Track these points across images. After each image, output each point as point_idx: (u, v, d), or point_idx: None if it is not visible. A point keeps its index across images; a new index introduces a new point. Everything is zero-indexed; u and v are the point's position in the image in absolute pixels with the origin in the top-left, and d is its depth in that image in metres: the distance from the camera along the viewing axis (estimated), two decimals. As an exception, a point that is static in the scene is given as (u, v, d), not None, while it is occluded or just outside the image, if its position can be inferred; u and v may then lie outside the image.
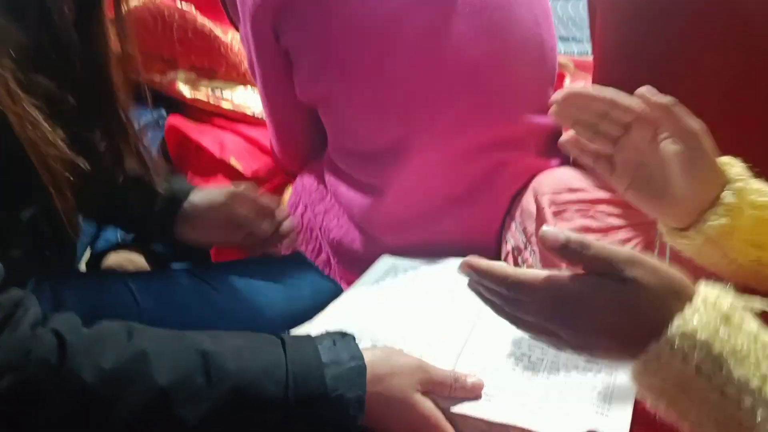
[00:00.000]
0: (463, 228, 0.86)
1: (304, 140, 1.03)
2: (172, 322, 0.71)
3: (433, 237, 0.87)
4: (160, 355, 0.49)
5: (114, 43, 0.69)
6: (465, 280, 0.74)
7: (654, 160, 0.55)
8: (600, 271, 0.45)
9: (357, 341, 0.57)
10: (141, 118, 1.15)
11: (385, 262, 0.82)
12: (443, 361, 0.62)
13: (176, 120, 1.15)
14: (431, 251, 0.83)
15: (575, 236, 0.46)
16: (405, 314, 0.70)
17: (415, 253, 0.83)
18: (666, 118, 0.54)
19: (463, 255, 0.82)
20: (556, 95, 0.58)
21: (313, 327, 0.69)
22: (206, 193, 0.82)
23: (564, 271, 0.46)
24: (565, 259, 0.46)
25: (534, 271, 0.47)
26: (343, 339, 0.56)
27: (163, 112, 1.19)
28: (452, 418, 0.56)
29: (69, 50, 0.63)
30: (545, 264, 0.76)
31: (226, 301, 0.75)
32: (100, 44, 0.66)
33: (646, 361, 0.43)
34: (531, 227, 0.79)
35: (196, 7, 1.23)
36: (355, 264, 0.92)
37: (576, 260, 0.46)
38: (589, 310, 0.45)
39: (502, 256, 0.82)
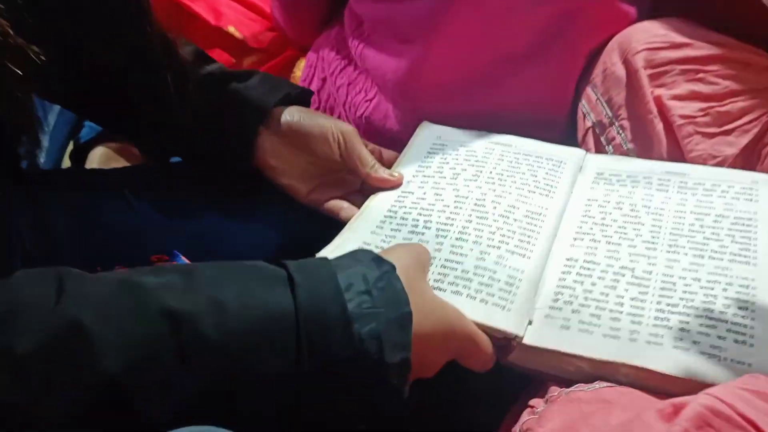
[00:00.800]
0: (526, 94, 0.68)
1: None
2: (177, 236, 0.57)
3: (487, 105, 0.69)
4: (106, 325, 0.32)
5: None
6: (534, 161, 0.60)
7: None
8: None
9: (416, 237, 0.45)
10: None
11: (427, 133, 0.65)
12: (526, 269, 0.48)
13: (162, -18, 0.95)
14: (484, 124, 0.66)
15: None
16: (469, 203, 0.55)
17: (463, 125, 0.67)
18: None
19: (526, 129, 0.68)
20: None
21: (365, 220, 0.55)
22: (312, 115, 0.60)
23: None
24: None
25: None
26: (378, 270, 0.39)
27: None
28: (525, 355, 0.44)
29: None
30: (638, 143, 0.60)
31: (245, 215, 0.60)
32: None
33: None
34: (619, 97, 0.62)
35: None
36: (388, 145, 0.76)
37: None
38: None
39: (579, 135, 0.65)
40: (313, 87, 0.86)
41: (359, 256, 0.40)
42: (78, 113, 0.74)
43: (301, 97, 0.62)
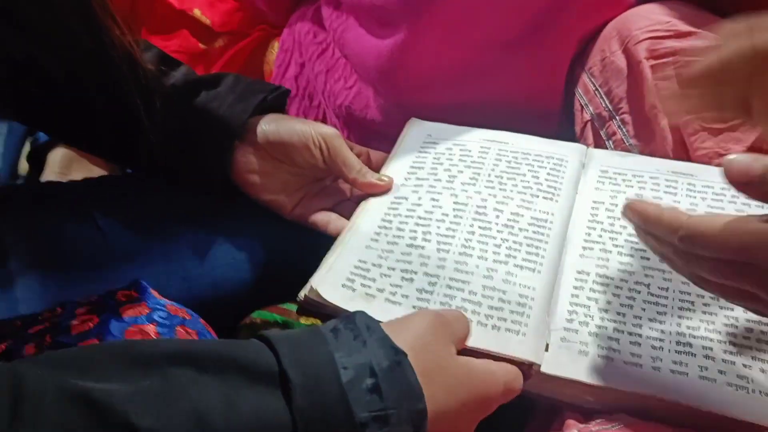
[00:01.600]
0: (516, 83, 0.64)
1: None
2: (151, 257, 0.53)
3: (475, 95, 0.65)
4: None
5: None
6: (534, 160, 0.57)
7: None
8: None
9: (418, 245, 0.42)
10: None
11: (416, 130, 0.61)
12: (533, 282, 0.45)
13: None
14: (472, 116, 0.63)
15: None
16: (469, 211, 0.51)
17: (450, 118, 0.63)
18: None
19: (517, 121, 0.64)
20: None
21: (359, 235, 0.51)
22: (288, 122, 0.55)
23: (751, 217, 0.32)
24: (758, 198, 0.33)
25: (710, 219, 0.33)
26: (388, 359, 0.33)
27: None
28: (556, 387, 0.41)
29: None
30: (640, 139, 0.57)
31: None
32: None
33: None
34: (620, 89, 0.58)
35: None
36: (371, 136, 0.72)
37: None
38: None
39: (577, 128, 0.62)
40: (290, 73, 0.82)
41: (365, 333, 0.34)
42: (31, 126, 0.67)
43: (277, 101, 0.57)
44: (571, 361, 0.41)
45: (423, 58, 0.64)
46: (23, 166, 0.77)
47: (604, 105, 0.60)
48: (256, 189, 0.56)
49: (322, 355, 0.32)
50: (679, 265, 0.37)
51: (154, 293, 0.46)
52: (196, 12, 0.87)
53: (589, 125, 0.61)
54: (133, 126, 0.49)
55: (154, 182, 0.57)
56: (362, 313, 0.37)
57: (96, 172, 0.76)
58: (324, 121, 0.78)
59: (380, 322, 0.36)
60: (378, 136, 0.71)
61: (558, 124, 0.65)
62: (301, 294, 0.46)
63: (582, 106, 0.62)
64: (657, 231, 0.36)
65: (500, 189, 0.53)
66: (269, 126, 0.54)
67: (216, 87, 0.55)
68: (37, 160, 0.77)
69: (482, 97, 0.66)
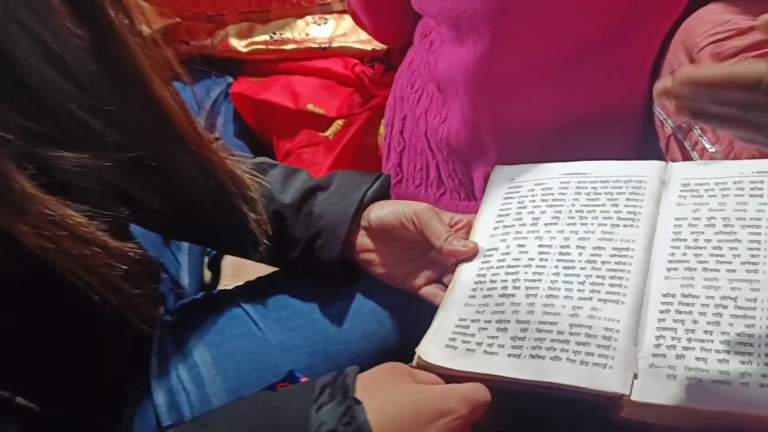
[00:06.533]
0: (600, 83, 0.66)
1: None
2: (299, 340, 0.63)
3: (560, 97, 0.68)
4: None
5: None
6: (612, 187, 0.58)
7: None
8: None
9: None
10: (209, 92, 1.05)
11: (501, 177, 0.65)
12: (625, 320, 0.47)
13: (239, 85, 1.03)
14: (558, 118, 0.65)
15: None
16: (554, 252, 0.55)
17: (534, 129, 0.66)
18: None
19: (602, 122, 0.65)
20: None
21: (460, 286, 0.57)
22: (389, 205, 0.63)
23: None
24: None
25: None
26: (343, 406, 0.44)
27: (230, 79, 1.07)
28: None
29: (96, 83, 0.50)
30: (722, 145, 0.56)
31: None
32: (123, 55, 0.50)
33: None
34: (693, 98, 0.58)
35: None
36: (472, 161, 0.77)
37: None
38: None
39: (662, 144, 0.63)
40: (396, 129, 0.90)
41: (338, 390, 0.45)
42: (175, 239, 0.82)
43: (381, 188, 0.65)
44: (660, 387, 0.43)
45: (508, 64, 0.69)
46: (207, 275, 0.94)
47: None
48: (372, 265, 0.64)
49: (302, 413, 0.43)
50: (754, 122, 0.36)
51: (303, 379, 0.55)
52: (310, 106, 0.99)
53: (672, 139, 0.62)
54: (249, 240, 0.60)
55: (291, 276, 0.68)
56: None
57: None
58: (426, 166, 0.85)
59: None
60: (477, 159, 0.76)
61: (638, 136, 0.66)
62: (414, 361, 0.53)
63: (662, 122, 0.63)
64: (731, 91, 0.35)
65: (581, 224, 0.56)
66: (373, 212, 0.63)
67: (328, 187, 0.65)
68: (215, 267, 0.93)
69: (566, 98, 0.68)
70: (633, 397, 0.44)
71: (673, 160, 0.60)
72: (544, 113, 0.68)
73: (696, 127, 0.59)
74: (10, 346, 0.44)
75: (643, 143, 0.66)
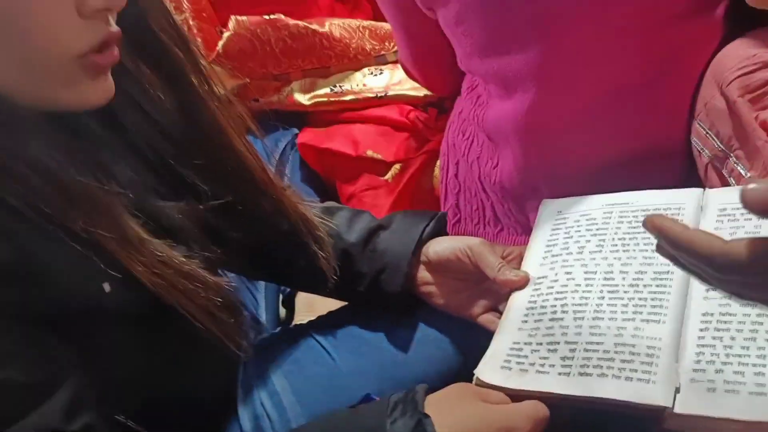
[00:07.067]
0: (643, 122, 0.71)
1: (443, 50, 0.87)
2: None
3: (605, 145, 0.73)
4: None
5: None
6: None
7: None
8: None
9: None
10: (278, 143, 1.15)
11: (548, 210, 0.70)
12: (666, 342, 0.51)
13: (304, 136, 1.12)
14: (605, 158, 0.70)
15: None
16: (599, 278, 0.59)
17: (582, 169, 0.70)
18: None
19: (646, 159, 0.69)
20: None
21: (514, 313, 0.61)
22: (445, 241, 0.70)
23: None
24: None
25: (741, 244, 0.35)
26: (412, 420, 0.49)
27: (295, 130, 1.17)
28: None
29: (187, 141, 0.59)
30: (757, 170, 0.60)
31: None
32: (207, 115, 0.59)
33: None
34: (725, 129, 0.62)
35: (284, 13, 1.18)
36: (525, 201, 0.82)
37: None
38: None
39: (700, 172, 0.66)
40: (451, 173, 0.96)
41: (409, 405, 0.50)
42: (257, 279, 0.90)
43: (438, 225, 0.71)
44: (700, 399, 0.47)
45: (554, 113, 0.74)
46: (282, 311, 1.01)
47: (717, 146, 0.64)
48: (432, 297, 0.70)
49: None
50: (708, 281, 0.38)
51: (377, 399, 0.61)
52: (369, 152, 1.07)
53: (709, 167, 0.65)
54: (319, 276, 0.67)
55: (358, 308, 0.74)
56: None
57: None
58: (482, 206, 0.90)
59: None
60: (530, 199, 0.81)
61: (682, 168, 0.70)
62: (473, 382, 0.58)
63: (699, 151, 0.66)
64: (684, 256, 0.37)
65: (624, 251, 0.60)
66: (431, 248, 0.69)
67: (390, 226, 0.72)
68: (290, 305, 1.00)
69: (611, 142, 0.73)
70: (675, 410, 0.47)
71: (712, 188, 0.63)
72: (591, 154, 0.73)
73: (732, 155, 0.62)
74: (126, 371, 0.52)
75: (687, 174, 0.70)
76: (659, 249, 0.41)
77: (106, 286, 0.48)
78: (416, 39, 0.91)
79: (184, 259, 0.50)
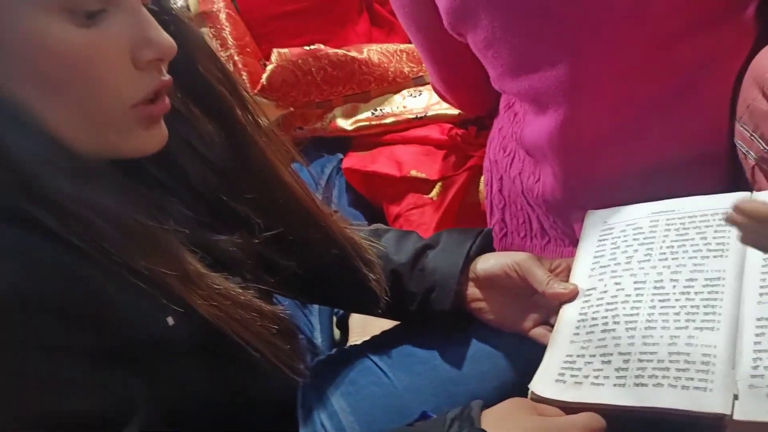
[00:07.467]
0: (682, 133, 0.71)
1: (473, 73, 0.88)
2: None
3: (644, 150, 0.73)
4: None
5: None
6: (700, 221, 0.62)
7: None
8: None
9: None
10: (323, 169, 1.18)
11: (594, 221, 0.70)
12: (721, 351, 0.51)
13: (349, 160, 1.15)
14: (646, 170, 0.70)
15: None
16: (648, 287, 0.59)
17: (623, 179, 0.70)
18: None
19: (690, 167, 0.69)
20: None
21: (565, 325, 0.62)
22: (492, 258, 0.71)
23: None
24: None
25: None
26: None
27: (340, 155, 1.20)
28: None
29: (237, 176, 0.61)
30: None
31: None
32: (255, 151, 0.62)
33: None
34: (770, 129, 0.62)
35: (324, 42, 1.21)
36: (569, 214, 0.82)
37: None
38: None
39: (747, 174, 0.66)
40: (495, 188, 0.97)
41: (465, 421, 0.52)
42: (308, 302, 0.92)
43: (483, 241, 0.72)
44: (760, 405, 0.46)
45: (588, 127, 0.75)
46: (336, 333, 1.03)
47: (762, 147, 0.63)
48: (483, 313, 0.71)
49: None
50: None
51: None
52: (413, 172, 1.09)
53: (756, 169, 0.65)
54: (366, 291, 0.69)
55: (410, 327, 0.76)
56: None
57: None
58: (528, 219, 0.91)
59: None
60: (574, 211, 0.81)
61: (728, 172, 0.69)
62: (528, 397, 0.58)
63: (744, 154, 0.66)
64: None
65: (672, 259, 0.60)
66: (479, 265, 0.70)
67: (437, 246, 0.73)
68: (344, 327, 1.02)
69: (650, 152, 0.73)
70: (735, 417, 0.47)
71: (760, 190, 0.63)
72: (630, 165, 0.73)
73: (778, 155, 0.62)
74: (191, 399, 0.54)
75: (734, 178, 0.69)
76: (745, 237, 0.42)
77: (170, 320, 0.50)
78: (445, 64, 0.93)
79: (240, 290, 0.53)
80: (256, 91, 1.18)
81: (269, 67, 1.18)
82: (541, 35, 0.71)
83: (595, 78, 0.70)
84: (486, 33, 0.75)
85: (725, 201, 0.62)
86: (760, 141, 0.63)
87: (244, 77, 1.21)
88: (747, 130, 0.65)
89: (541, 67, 0.73)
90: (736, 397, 0.48)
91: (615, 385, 0.54)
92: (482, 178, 1.03)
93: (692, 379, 0.50)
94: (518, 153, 0.89)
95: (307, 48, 1.19)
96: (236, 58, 1.23)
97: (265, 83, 1.17)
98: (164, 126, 0.53)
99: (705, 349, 0.52)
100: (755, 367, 0.49)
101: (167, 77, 0.52)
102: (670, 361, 0.52)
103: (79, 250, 0.46)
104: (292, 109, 1.24)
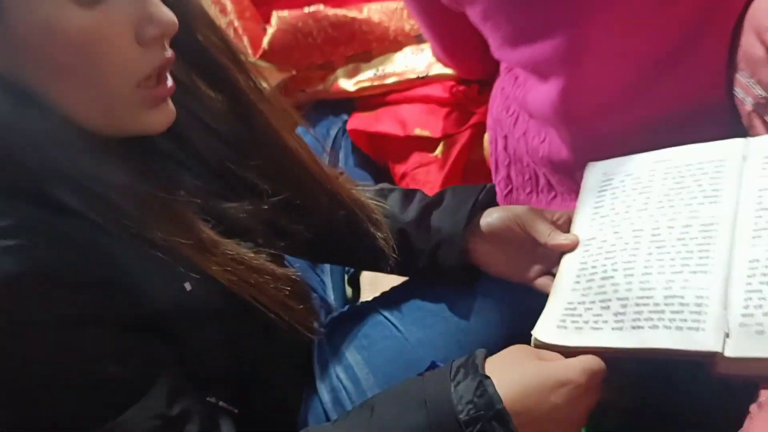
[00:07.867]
0: (683, 87, 0.72)
1: (473, 42, 0.89)
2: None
3: (648, 108, 0.74)
4: None
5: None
6: (696, 169, 0.63)
7: None
8: None
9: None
10: (329, 131, 1.19)
11: (593, 172, 0.72)
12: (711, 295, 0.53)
13: (353, 121, 1.16)
14: (649, 127, 0.71)
15: None
16: (646, 235, 0.61)
17: (628, 137, 0.72)
18: None
19: (692, 121, 0.69)
20: None
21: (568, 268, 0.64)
22: (495, 212, 0.73)
23: None
24: None
25: None
26: (474, 381, 0.53)
27: (344, 116, 1.21)
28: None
29: (243, 144, 0.63)
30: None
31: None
32: (258, 117, 0.64)
33: None
34: (767, 75, 0.62)
35: (323, 3, 1.21)
36: (574, 172, 0.83)
37: None
38: None
39: (744, 121, 0.67)
40: (499, 146, 0.98)
41: (470, 369, 0.54)
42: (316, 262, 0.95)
43: (486, 197, 0.74)
44: (750, 342, 0.49)
45: (589, 92, 0.76)
46: (348, 291, 1.07)
47: (759, 93, 0.64)
48: (489, 266, 0.73)
49: (443, 392, 0.53)
50: None
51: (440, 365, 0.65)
52: (417, 131, 1.10)
53: (753, 115, 0.66)
54: (375, 249, 0.72)
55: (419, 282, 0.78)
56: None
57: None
58: (535, 176, 0.92)
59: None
60: (580, 169, 0.83)
61: (728, 121, 0.70)
62: (531, 343, 0.61)
63: (742, 100, 0.67)
64: None
65: (669, 207, 0.62)
66: (483, 220, 0.73)
67: (441, 203, 0.75)
68: (356, 284, 1.06)
69: (651, 109, 0.74)
70: (726, 354, 0.49)
71: (756, 135, 0.64)
72: (633, 122, 0.74)
73: (773, 101, 0.63)
74: (212, 360, 0.58)
75: (732, 126, 0.70)
76: None
77: (187, 286, 0.53)
78: (444, 35, 0.94)
79: (252, 255, 0.56)
80: (258, 55, 1.18)
81: (270, 31, 1.18)
82: (539, 5, 0.71)
83: (597, 40, 0.71)
84: (484, 6, 0.75)
85: (721, 148, 0.63)
86: (757, 87, 0.64)
87: (245, 42, 1.22)
88: (744, 77, 0.66)
89: (541, 36, 0.73)
90: (727, 335, 0.50)
91: (613, 328, 0.56)
92: (486, 136, 1.04)
93: (686, 320, 0.53)
94: (522, 115, 0.90)
95: (306, 10, 1.19)
96: (236, 23, 1.23)
97: (266, 47, 1.18)
98: (171, 104, 0.55)
99: (699, 291, 0.54)
100: (746, 307, 0.51)
101: (170, 53, 0.53)
102: (665, 305, 0.54)
103: (98, 224, 0.49)
104: (294, 72, 1.24)
